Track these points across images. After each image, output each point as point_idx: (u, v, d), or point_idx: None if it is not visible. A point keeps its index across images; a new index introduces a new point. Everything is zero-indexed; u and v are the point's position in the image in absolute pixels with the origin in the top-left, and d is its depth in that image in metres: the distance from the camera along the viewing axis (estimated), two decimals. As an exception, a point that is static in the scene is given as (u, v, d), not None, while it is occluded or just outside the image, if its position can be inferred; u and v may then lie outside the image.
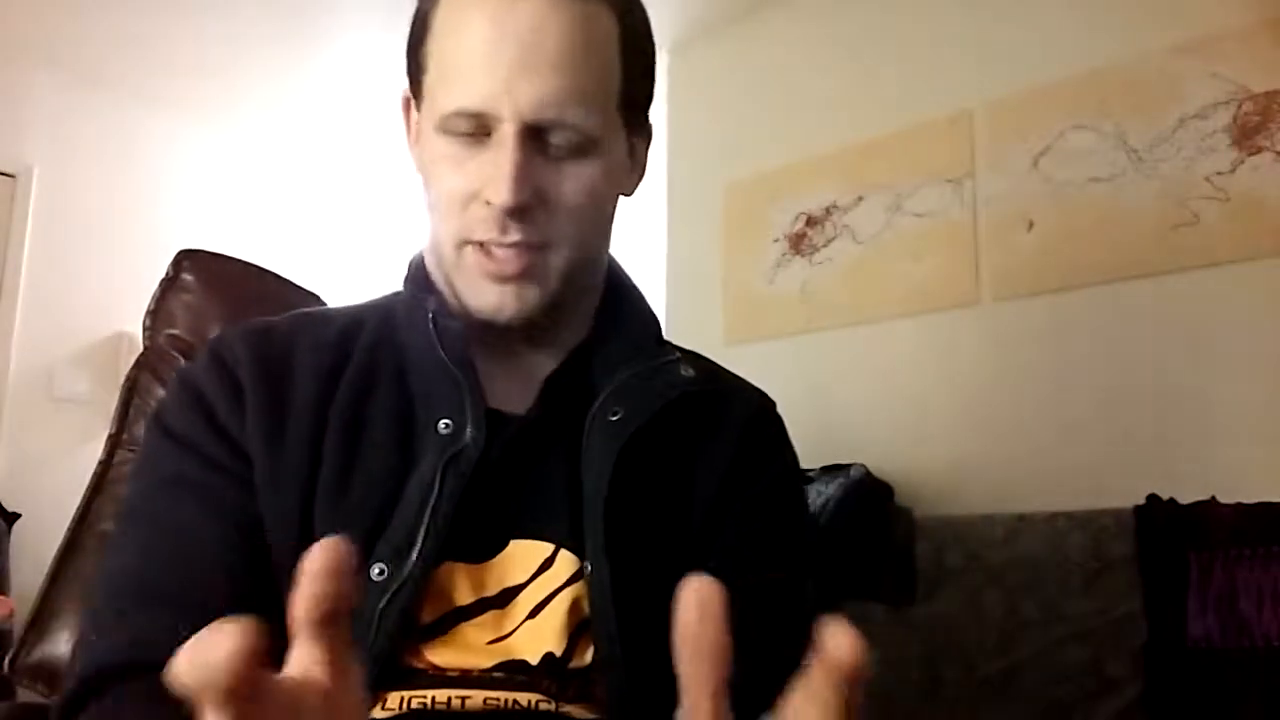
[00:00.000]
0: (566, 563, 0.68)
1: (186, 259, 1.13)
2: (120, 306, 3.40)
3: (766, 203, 2.91)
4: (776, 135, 2.93)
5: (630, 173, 0.79)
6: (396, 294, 0.80)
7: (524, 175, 0.66)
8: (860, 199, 2.71)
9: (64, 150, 3.45)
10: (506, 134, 0.66)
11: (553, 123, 0.67)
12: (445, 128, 0.69)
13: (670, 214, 3.18)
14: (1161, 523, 1.93)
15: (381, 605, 0.62)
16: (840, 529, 2.20)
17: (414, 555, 0.64)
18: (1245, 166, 2.09)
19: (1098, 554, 2.02)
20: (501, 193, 0.66)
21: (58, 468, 3.08)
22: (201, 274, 1.12)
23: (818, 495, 2.22)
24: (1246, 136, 2.09)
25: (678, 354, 0.80)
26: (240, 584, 0.64)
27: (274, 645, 0.29)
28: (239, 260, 1.19)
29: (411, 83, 0.76)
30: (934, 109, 2.60)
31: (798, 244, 2.82)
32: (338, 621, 0.31)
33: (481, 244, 0.69)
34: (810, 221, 2.81)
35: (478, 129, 0.68)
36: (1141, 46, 2.26)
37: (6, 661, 1.00)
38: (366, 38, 3.15)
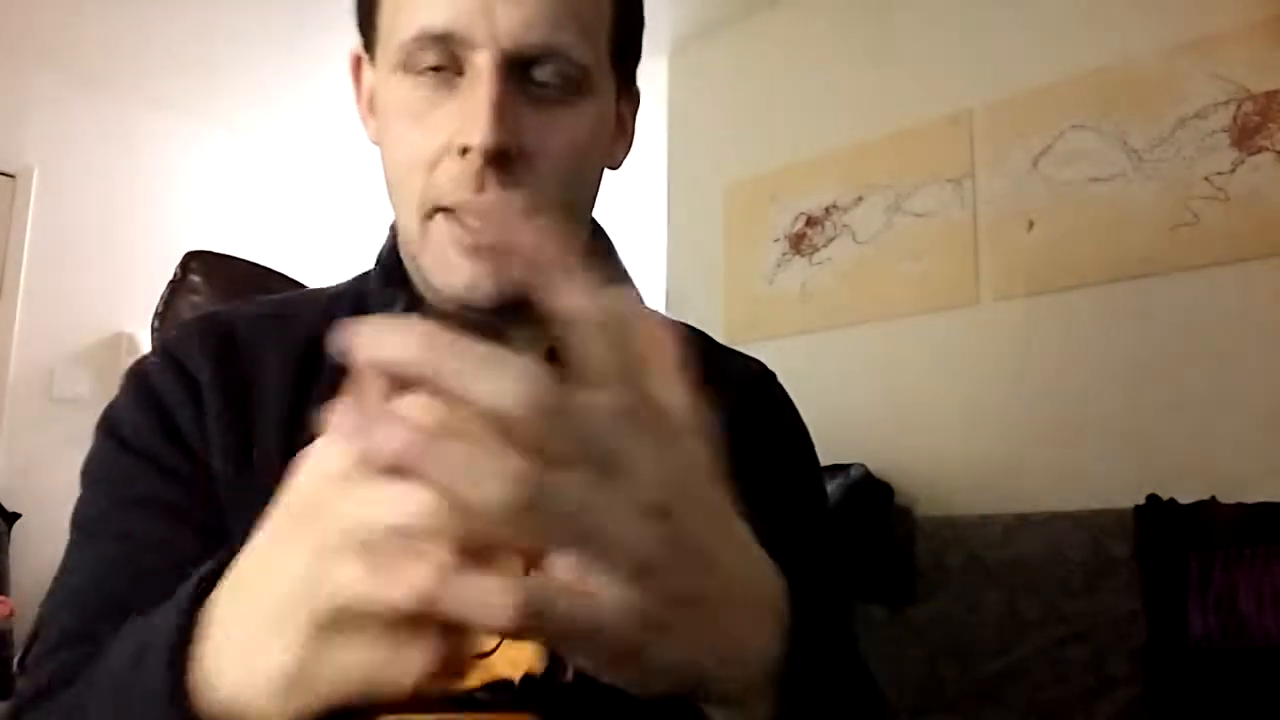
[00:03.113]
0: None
1: (194, 260, 1.12)
2: (120, 307, 3.41)
3: (766, 203, 2.91)
4: (776, 135, 2.94)
5: (618, 139, 0.69)
6: (368, 276, 0.71)
7: (505, 110, 0.56)
8: (860, 199, 2.71)
9: (64, 150, 3.44)
10: (481, 66, 0.56)
11: (540, 50, 0.57)
12: (406, 63, 0.59)
13: (670, 214, 3.19)
14: (1161, 523, 1.94)
15: None
16: (840, 529, 2.20)
17: None
18: (1245, 166, 2.09)
19: (1098, 554, 2.02)
20: (478, 131, 0.55)
21: (57, 468, 3.04)
22: (209, 275, 1.12)
23: (818, 495, 2.22)
24: (1246, 136, 2.10)
25: None
26: None
27: None
28: (247, 261, 1.19)
29: (363, 28, 0.65)
30: (934, 109, 2.60)
31: (798, 244, 2.83)
32: None
33: (453, 210, 0.59)
34: (810, 221, 2.81)
35: (446, 64, 0.58)
36: (1141, 46, 2.27)
37: (16, 661, 1.00)
38: (367, 37, 3.15)
